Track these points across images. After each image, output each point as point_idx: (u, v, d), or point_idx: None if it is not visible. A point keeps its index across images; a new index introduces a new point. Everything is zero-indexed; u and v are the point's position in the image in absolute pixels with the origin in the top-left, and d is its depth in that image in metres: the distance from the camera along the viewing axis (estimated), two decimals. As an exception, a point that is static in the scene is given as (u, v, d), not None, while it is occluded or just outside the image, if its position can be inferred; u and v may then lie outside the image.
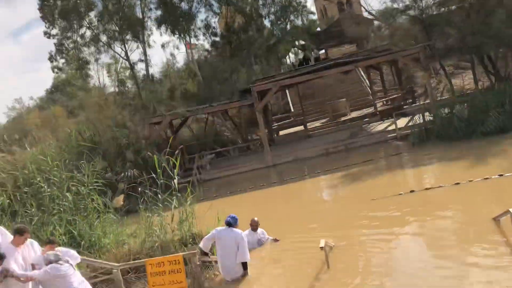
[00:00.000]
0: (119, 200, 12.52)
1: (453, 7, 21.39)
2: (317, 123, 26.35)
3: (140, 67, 26.26)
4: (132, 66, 25.34)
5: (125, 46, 25.09)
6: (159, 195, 9.91)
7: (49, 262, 7.18)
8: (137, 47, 25.67)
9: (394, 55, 19.64)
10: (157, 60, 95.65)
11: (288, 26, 29.90)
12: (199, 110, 20.89)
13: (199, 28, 27.54)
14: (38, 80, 76.13)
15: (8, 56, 78.81)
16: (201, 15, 47.76)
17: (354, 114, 26.15)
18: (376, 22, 36.45)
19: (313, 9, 47.16)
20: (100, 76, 31.73)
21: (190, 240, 9.29)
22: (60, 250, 7.61)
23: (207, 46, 32.97)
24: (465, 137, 15.25)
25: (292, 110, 28.73)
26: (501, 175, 10.35)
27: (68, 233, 9.74)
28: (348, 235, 8.98)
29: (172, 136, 22.67)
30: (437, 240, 7.82)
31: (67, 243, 9.46)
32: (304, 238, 9.43)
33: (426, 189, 10.69)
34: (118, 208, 11.78)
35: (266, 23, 29.53)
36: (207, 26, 27.24)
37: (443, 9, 21.52)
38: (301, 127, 25.45)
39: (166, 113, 20.70)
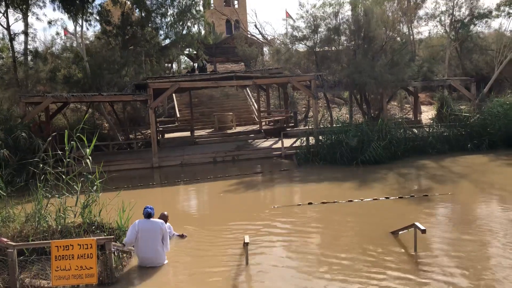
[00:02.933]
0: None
1: (340, 47, 23.71)
2: (202, 132, 26.44)
3: (21, 40, 23.43)
4: (12, 37, 22.44)
5: (7, 13, 22.17)
6: (63, 176, 9.05)
7: None
8: (22, 18, 22.80)
9: (289, 78, 20.84)
10: (42, 37, 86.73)
11: (184, 32, 29.65)
12: (86, 96, 19.42)
13: (91, 14, 25.79)
14: None
15: None
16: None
17: (239, 129, 26.91)
18: (266, 45, 38.49)
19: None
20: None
21: (93, 227, 8.61)
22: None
23: (90, 34, 31.02)
24: (347, 163, 16.77)
25: (178, 115, 28.41)
26: (387, 197, 11.68)
27: None
28: (256, 235, 9.22)
29: (48, 120, 20.74)
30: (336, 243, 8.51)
31: None
32: (214, 233, 9.49)
33: (323, 202, 11.49)
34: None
35: (163, 23, 28.86)
36: (101, 12, 25.65)
37: (333, 47, 23.66)
38: (187, 133, 25.28)
39: (48, 94, 18.81)
